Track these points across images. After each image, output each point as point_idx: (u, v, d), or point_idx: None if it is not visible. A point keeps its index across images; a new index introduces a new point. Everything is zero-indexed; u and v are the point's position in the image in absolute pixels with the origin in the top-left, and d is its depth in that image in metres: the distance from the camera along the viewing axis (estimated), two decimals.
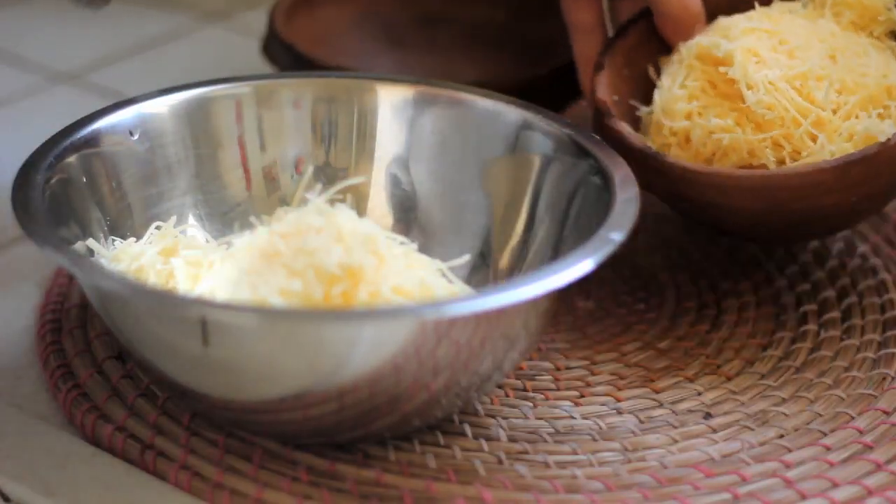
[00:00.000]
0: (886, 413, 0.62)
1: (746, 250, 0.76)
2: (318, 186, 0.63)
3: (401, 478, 0.57)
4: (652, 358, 0.67)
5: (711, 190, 0.63)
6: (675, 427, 0.61)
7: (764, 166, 0.64)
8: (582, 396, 0.64)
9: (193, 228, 0.66)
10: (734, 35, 0.66)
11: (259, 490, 0.55)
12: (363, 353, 0.52)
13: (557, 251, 0.63)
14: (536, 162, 0.66)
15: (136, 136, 0.65)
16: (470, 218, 0.67)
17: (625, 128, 0.66)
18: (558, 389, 0.64)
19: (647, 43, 0.71)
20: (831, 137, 0.63)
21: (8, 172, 0.59)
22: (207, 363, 0.54)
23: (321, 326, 0.51)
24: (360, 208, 0.67)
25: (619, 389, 0.64)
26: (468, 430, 0.60)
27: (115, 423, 0.59)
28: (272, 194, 0.68)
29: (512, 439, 0.60)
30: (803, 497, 0.57)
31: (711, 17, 0.69)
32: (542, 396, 0.63)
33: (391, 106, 0.68)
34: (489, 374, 0.57)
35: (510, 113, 0.67)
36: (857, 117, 0.64)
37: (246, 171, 0.68)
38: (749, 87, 0.64)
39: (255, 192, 0.68)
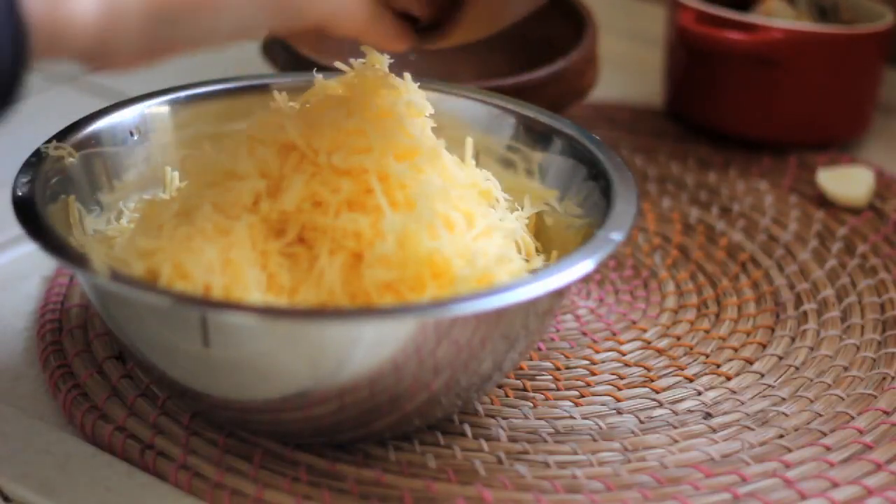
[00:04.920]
0: (886, 413, 0.62)
1: (746, 250, 0.76)
2: None
3: (401, 478, 0.57)
4: (652, 358, 0.67)
5: None
6: (675, 427, 0.61)
7: None
8: (582, 396, 0.63)
9: None
10: None
11: (259, 490, 0.55)
12: (363, 353, 0.52)
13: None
14: (537, 162, 0.66)
15: (135, 136, 0.65)
16: None
17: None
18: (558, 389, 0.64)
19: None
20: None
21: (8, 172, 0.59)
22: (207, 363, 0.54)
23: (322, 326, 0.51)
24: None
25: (619, 389, 0.64)
26: (468, 430, 0.60)
27: (115, 423, 0.59)
28: None
29: (512, 439, 0.60)
30: (803, 497, 0.57)
31: None
32: (542, 396, 0.63)
33: None
34: (489, 374, 0.57)
35: (510, 113, 0.67)
36: None
37: None
38: None
39: None
